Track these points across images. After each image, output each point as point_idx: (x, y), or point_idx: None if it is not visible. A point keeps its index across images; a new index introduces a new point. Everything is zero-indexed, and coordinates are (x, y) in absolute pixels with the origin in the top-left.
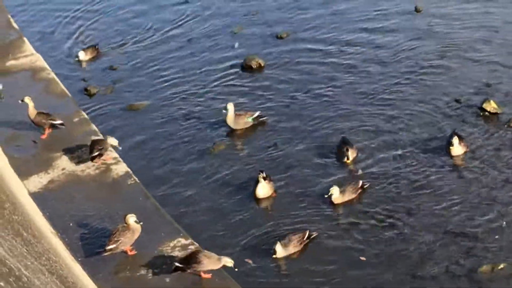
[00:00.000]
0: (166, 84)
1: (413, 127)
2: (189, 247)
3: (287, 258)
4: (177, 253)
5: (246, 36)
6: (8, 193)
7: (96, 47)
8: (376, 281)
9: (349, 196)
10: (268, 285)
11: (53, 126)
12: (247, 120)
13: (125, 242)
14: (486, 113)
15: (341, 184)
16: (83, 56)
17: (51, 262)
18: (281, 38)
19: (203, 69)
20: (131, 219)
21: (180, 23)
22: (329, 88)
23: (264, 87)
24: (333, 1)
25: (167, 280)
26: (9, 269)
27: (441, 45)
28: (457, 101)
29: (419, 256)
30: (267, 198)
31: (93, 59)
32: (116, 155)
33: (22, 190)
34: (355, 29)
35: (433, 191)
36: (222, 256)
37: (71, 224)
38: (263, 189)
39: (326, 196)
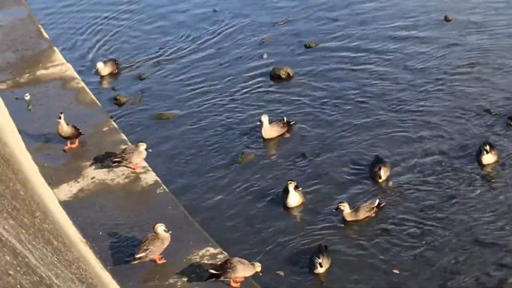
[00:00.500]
0: (194, 93)
1: (443, 136)
2: (218, 256)
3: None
4: (206, 262)
5: (275, 46)
6: (39, 202)
7: (116, 61)
8: None
9: (363, 214)
10: None
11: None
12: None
13: (154, 251)
14: None
15: (356, 201)
16: (101, 67)
17: (81, 270)
18: (309, 47)
19: (232, 79)
20: (160, 228)
21: (208, 32)
22: (358, 97)
23: (293, 97)
24: (362, 10)
25: None
26: (40, 278)
27: (470, 54)
28: (487, 111)
29: (449, 267)
30: (297, 207)
31: (113, 74)
32: (145, 164)
33: (53, 199)
34: (384, 37)
35: (463, 201)
36: (254, 262)
37: (100, 233)
38: (294, 198)
39: (334, 210)
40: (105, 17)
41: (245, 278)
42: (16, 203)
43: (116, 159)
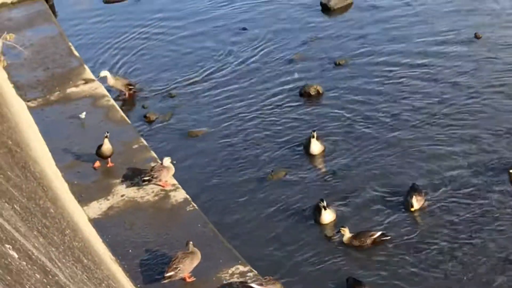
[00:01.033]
0: (224, 110)
1: (473, 152)
2: (248, 274)
3: None
4: (236, 280)
5: (305, 63)
6: (69, 220)
7: (133, 85)
8: None
9: (360, 242)
10: None
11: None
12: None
13: (184, 269)
14: None
15: (386, 221)
16: (107, 75)
17: None
18: (339, 64)
19: (261, 96)
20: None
21: (238, 50)
22: (388, 114)
23: (322, 114)
24: (391, 27)
25: None
26: None
27: (501, 72)
28: None
29: (478, 285)
30: (329, 224)
31: (121, 89)
32: (175, 181)
33: (82, 217)
34: (413, 55)
35: (494, 218)
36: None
37: (130, 251)
38: (329, 215)
39: (336, 233)
40: (135, 36)
41: None
42: (46, 221)
43: (145, 178)
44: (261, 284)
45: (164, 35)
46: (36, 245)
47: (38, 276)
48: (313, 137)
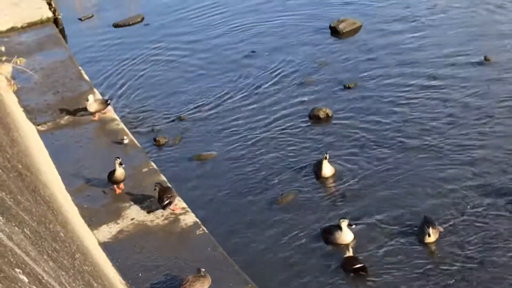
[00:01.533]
0: (233, 134)
1: (484, 176)
2: None
3: None
4: None
5: (314, 86)
6: (78, 243)
7: (108, 102)
8: None
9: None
10: None
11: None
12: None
13: None
14: None
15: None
16: (91, 101)
17: None
18: (348, 88)
19: (271, 119)
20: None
21: (248, 74)
22: (398, 137)
23: (332, 137)
24: (400, 50)
25: None
26: None
27: (511, 94)
28: None
29: None
30: (349, 243)
31: (102, 112)
32: (184, 205)
33: (92, 240)
34: (423, 77)
35: (504, 242)
36: None
37: (140, 274)
38: (350, 234)
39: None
40: (145, 59)
41: None
42: (56, 245)
43: (166, 202)
44: None
45: (173, 58)
46: (46, 269)
47: None
48: (326, 159)
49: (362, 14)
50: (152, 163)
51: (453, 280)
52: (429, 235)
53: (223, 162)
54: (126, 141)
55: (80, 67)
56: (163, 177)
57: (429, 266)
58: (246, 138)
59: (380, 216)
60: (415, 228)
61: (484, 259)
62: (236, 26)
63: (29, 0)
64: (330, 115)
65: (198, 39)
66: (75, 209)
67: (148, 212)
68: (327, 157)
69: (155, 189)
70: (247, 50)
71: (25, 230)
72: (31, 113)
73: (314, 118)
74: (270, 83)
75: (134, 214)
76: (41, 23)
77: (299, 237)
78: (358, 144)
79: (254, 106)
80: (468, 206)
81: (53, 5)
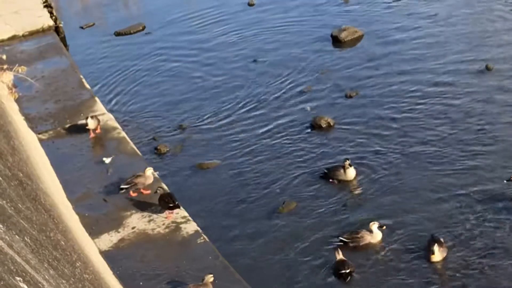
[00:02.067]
0: (235, 142)
1: (486, 183)
2: None
3: None
4: None
5: (316, 95)
6: (79, 252)
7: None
8: None
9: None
10: None
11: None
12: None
13: None
14: None
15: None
16: (91, 124)
17: None
18: (350, 97)
19: (272, 128)
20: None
21: (249, 82)
22: (399, 146)
23: (333, 146)
24: (401, 59)
25: None
26: None
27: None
28: None
29: None
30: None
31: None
32: (185, 214)
33: (93, 249)
34: (424, 86)
35: (507, 251)
36: None
37: (141, 283)
38: (379, 234)
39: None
40: (146, 68)
41: None
42: (56, 253)
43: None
44: None
45: (174, 67)
46: (47, 277)
47: None
48: (350, 165)
49: (363, 23)
50: (154, 172)
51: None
52: (433, 253)
53: (224, 171)
54: (107, 161)
55: (81, 76)
56: (164, 186)
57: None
58: (247, 147)
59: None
60: (420, 237)
61: (485, 268)
62: (238, 35)
63: (31, 8)
64: (332, 124)
65: (199, 48)
66: (76, 217)
67: (149, 220)
68: (348, 162)
69: (156, 192)
70: (249, 59)
71: (26, 238)
72: (32, 122)
73: (316, 127)
74: (271, 91)
75: (135, 222)
76: (43, 31)
77: (301, 246)
78: (359, 153)
79: (256, 114)
80: (471, 215)
81: (54, 14)
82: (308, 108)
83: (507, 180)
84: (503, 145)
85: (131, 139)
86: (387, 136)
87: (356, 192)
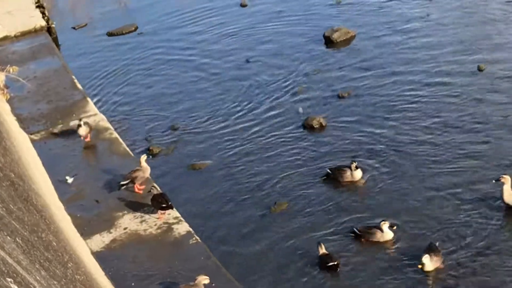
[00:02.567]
0: (227, 143)
1: (476, 185)
2: None
3: None
4: None
5: (308, 96)
6: (71, 253)
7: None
8: None
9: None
10: None
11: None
12: None
13: None
14: None
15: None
16: (83, 132)
17: None
18: (342, 97)
19: (265, 128)
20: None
21: (242, 83)
22: (391, 147)
23: (326, 147)
24: (394, 60)
25: None
26: None
27: (503, 104)
28: None
29: None
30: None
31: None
32: (177, 214)
33: (85, 250)
34: (416, 87)
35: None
36: None
37: (133, 284)
38: (390, 233)
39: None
40: (138, 68)
41: None
42: (48, 254)
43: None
44: None
45: (166, 68)
46: (38, 278)
47: None
48: (356, 167)
49: (356, 23)
50: None
51: None
52: (423, 265)
53: (216, 171)
54: (69, 181)
55: (73, 76)
56: (156, 186)
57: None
58: (240, 147)
59: (375, 224)
60: (415, 238)
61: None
62: (230, 36)
63: (23, 9)
64: (324, 124)
65: (192, 48)
66: (68, 218)
67: (141, 221)
68: (355, 164)
69: (149, 191)
70: (242, 59)
71: (17, 239)
72: (24, 122)
73: (308, 127)
74: (264, 92)
75: (127, 223)
76: (35, 31)
77: (293, 246)
78: (351, 153)
79: (248, 115)
80: (462, 215)
81: (47, 14)
82: (300, 110)
83: (495, 180)
84: (495, 145)
85: (123, 140)
86: (379, 136)
87: (348, 191)
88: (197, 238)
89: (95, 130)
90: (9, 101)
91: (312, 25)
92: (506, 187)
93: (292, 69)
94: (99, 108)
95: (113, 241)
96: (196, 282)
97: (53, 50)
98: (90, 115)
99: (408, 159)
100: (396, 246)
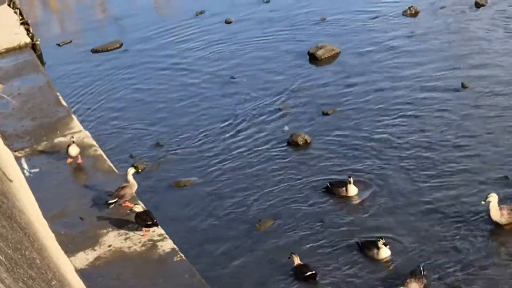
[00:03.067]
0: (212, 160)
1: (461, 201)
2: None
3: None
4: None
5: (292, 112)
6: (55, 270)
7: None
8: None
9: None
10: None
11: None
12: None
13: None
14: None
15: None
16: (73, 151)
17: None
18: (327, 114)
19: (249, 146)
20: None
21: (226, 100)
22: (376, 164)
23: (310, 164)
24: (379, 77)
25: None
26: None
27: (487, 121)
28: (506, 177)
29: None
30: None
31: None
32: (162, 231)
33: (69, 267)
34: (401, 104)
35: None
36: None
37: None
38: (387, 252)
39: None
40: (123, 85)
41: None
42: (32, 272)
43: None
44: None
45: (151, 85)
46: None
47: None
48: (350, 182)
49: (340, 40)
50: None
51: None
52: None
53: (201, 188)
54: (31, 172)
55: (58, 93)
56: (141, 203)
57: None
58: (224, 164)
59: (359, 239)
60: (401, 253)
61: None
62: (215, 52)
63: (7, 25)
64: (308, 141)
65: (177, 64)
66: (52, 235)
67: (126, 238)
68: (351, 181)
69: (130, 210)
70: (226, 76)
71: (1, 257)
72: (8, 139)
73: (292, 144)
74: (249, 109)
75: (112, 240)
76: (19, 48)
77: (277, 264)
78: (336, 170)
79: (233, 132)
80: (446, 232)
81: (31, 31)
82: (286, 128)
83: (483, 201)
84: (479, 161)
85: (108, 157)
86: (363, 153)
87: (332, 207)
88: (182, 255)
89: (80, 147)
90: None
91: (296, 41)
92: (492, 205)
93: (276, 86)
94: (83, 124)
95: (98, 258)
96: None
97: (38, 67)
98: (75, 132)
99: (393, 176)
100: (385, 262)
